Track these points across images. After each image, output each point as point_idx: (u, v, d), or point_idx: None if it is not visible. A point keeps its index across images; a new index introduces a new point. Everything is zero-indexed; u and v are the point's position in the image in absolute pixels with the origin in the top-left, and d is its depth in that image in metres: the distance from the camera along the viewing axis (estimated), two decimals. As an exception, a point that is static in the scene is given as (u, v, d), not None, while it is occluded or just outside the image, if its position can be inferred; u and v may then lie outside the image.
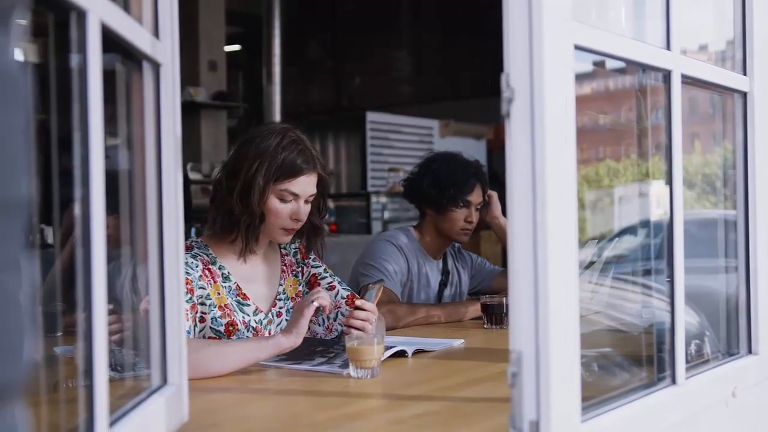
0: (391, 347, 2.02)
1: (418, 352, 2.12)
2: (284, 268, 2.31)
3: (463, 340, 2.30)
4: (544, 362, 1.13)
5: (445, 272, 3.06)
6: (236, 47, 10.29)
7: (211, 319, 2.09)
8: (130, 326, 1.48)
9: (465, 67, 9.21)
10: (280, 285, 2.28)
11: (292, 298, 2.30)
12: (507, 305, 2.58)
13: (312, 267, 2.35)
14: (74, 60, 0.99)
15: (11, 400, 0.56)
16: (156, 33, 1.31)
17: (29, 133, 0.58)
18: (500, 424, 1.33)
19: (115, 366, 1.31)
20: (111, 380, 1.03)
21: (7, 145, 0.54)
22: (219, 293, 2.12)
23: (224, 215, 2.14)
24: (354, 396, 1.70)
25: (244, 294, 2.18)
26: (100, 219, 0.99)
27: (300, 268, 2.35)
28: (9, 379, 0.55)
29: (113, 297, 1.12)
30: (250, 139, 2.15)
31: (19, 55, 0.59)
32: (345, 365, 1.86)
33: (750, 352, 1.76)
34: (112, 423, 1.05)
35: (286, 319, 2.24)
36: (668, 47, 1.47)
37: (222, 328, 2.09)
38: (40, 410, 1.09)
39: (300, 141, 2.16)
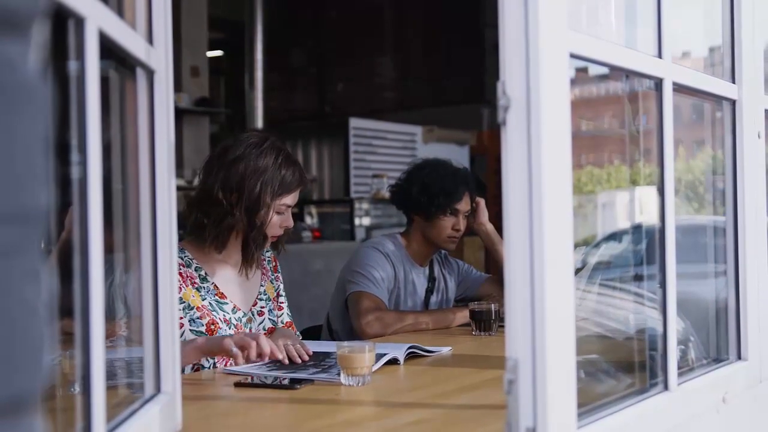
0: (384, 355, 2.02)
1: (411, 355, 2.13)
2: (264, 270, 2.40)
3: (450, 348, 2.31)
4: (541, 369, 1.13)
5: (431, 279, 3.06)
6: (218, 53, 10.27)
7: (190, 321, 2.15)
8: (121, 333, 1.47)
9: (448, 74, 9.24)
10: (261, 285, 2.37)
11: (273, 299, 2.39)
12: (495, 312, 2.59)
13: (280, 282, 2.47)
14: (71, 66, 0.98)
15: (31, 410, 0.56)
16: (150, 40, 1.30)
17: (48, 142, 0.58)
18: (495, 431, 1.34)
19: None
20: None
21: (28, 155, 0.54)
22: (194, 295, 2.18)
23: (226, 231, 2.20)
24: (346, 404, 1.70)
25: (222, 293, 2.24)
26: (98, 226, 0.98)
27: (275, 276, 2.45)
28: (30, 389, 0.55)
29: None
30: (241, 156, 2.19)
31: (38, 64, 0.59)
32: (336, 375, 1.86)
33: (739, 357, 1.77)
34: (109, 432, 1.05)
35: (269, 318, 2.35)
36: (660, 55, 1.48)
37: (203, 329, 2.15)
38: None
39: (291, 156, 2.28)
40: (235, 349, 1.89)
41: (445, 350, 2.28)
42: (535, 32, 1.13)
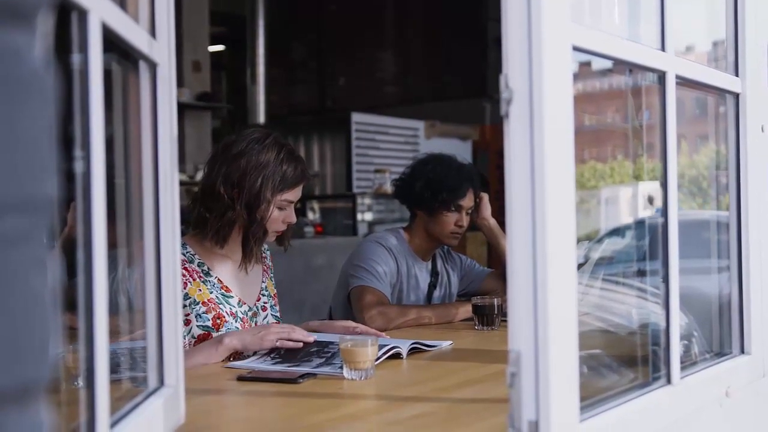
0: (386, 347, 2.02)
1: (413, 350, 2.13)
2: (265, 267, 2.42)
3: (451, 342, 2.30)
4: (543, 362, 1.13)
5: (434, 274, 3.06)
6: (220, 47, 10.27)
7: (196, 316, 2.16)
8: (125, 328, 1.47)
9: (450, 69, 9.24)
10: (263, 282, 2.39)
11: (273, 296, 2.42)
12: (498, 306, 2.59)
13: (274, 282, 2.49)
14: (75, 59, 0.98)
15: (37, 399, 0.56)
16: (153, 33, 1.30)
17: (55, 133, 0.59)
18: (498, 424, 1.34)
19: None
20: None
21: (35, 144, 0.55)
22: (200, 290, 2.19)
23: (227, 225, 2.21)
24: (349, 397, 1.70)
25: (227, 287, 2.26)
26: (101, 219, 0.98)
27: (273, 274, 2.48)
28: (36, 378, 0.56)
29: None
30: (243, 151, 2.21)
31: (44, 53, 0.59)
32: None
33: (742, 352, 1.77)
34: (112, 425, 1.05)
35: (272, 314, 2.37)
36: (663, 48, 1.48)
37: (209, 323, 2.16)
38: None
39: (293, 151, 2.28)
40: (279, 342, 2.02)
41: (446, 344, 2.28)
42: (537, 25, 1.13)
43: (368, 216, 7.30)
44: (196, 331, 2.15)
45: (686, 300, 1.75)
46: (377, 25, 9.87)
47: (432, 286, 3.04)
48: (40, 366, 0.56)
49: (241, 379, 1.83)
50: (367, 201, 7.32)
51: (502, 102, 1.17)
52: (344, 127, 7.88)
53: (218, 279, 2.24)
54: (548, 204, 1.13)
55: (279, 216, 2.25)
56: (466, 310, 2.74)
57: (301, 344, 2.04)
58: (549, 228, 1.13)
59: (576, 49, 1.23)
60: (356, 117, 7.89)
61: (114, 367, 1.36)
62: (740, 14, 1.74)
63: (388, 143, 8.03)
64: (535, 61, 1.14)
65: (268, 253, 2.47)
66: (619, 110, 1.97)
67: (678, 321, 1.49)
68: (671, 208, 1.49)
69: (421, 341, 2.20)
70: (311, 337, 2.08)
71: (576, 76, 1.48)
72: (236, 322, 2.21)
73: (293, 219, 2.30)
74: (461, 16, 8.98)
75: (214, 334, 2.14)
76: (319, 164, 8.25)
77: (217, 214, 2.19)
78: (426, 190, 2.89)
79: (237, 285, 2.29)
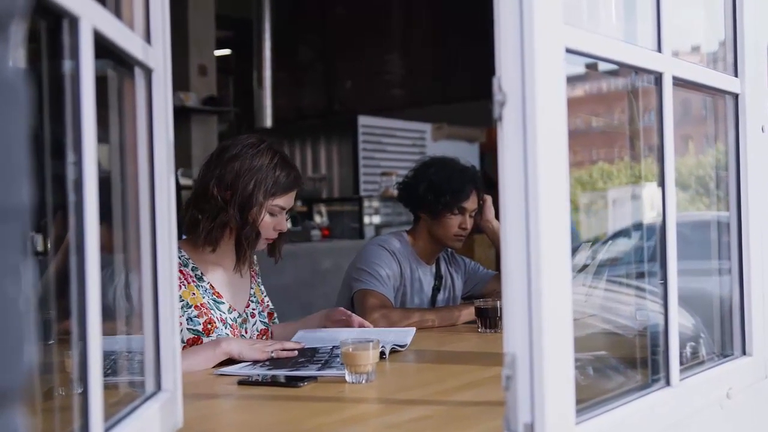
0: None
1: (393, 351, 2.17)
2: (253, 274, 2.44)
3: (414, 330, 2.35)
4: (538, 364, 1.13)
5: (438, 277, 3.05)
6: (226, 51, 10.29)
7: (188, 319, 2.18)
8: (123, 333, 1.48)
9: (457, 70, 9.23)
10: (251, 288, 2.41)
11: (261, 301, 2.43)
12: (501, 309, 2.58)
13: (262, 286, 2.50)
14: (66, 66, 0.98)
15: (11, 406, 0.56)
16: (148, 39, 1.31)
17: (29, 140, 0.59)
18: (495, 427, 1.33)
19: (107, 372, 1.30)
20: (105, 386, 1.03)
21: (8, 152, 0.55)
22: (194, 293, 2.22)
23: (219, 227, 2.23)
24: (349, 401, 1.70)
25: (218, 293, 2.28)
26: (94, 226, 0.98)
27: (260, 279, 2.49)
28: (9, 384, 0.56)
29: (106, 304, 1.12)
30: (237, 155, 2.24)
31: (18, 62, 0.59)
32: (343, 368, 1.85)
33: (744, 353, 1.76)
34: (107, 429, 1.05)
35: (260, 320, 2.39)
36: (659, 49, 1.48)
37: (200, 327, 2.17)
38: (35, 418, 1.09)
39: (287, 158, 2.32)
40: (274, 354, 2.08)
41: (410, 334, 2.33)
42: (530, 27, 1.13)
43: (375, 219, 7.30)
44: (187, 335, 2.16)
45: (693, 301, 1.74)
46: (383, 28, 9.87)
47: (436, 290, 3.03)
48: (14, 373, 0.56)
49: (242, 383, 1.83)
50: (374, 204, 7.32)
51: (495, 105, 1.17)
52: (351, 130, 7.88)
53: (210, 284, 2.26)
54: (542, 207, 1.13)
55: (270, 222, 2.26)
56: (469, 313, 2.74)
57: (296, 353, 2.10)
58: (543, 231, 1.13)
59: (569, 51, 1.23)
60: (363, 120, 7.89)
61: (112, 372, 1.37)
62: (739, 15, 1.74)
63: (395, 146, 8.02)
64: (527, 63, 1.14)
65: (255, 258, 2.49)
66: (626, 111, 1.97)
67: (677, 322, 1.49)
68: (669, 209, 1.49)
69: (397, 343, 2.23)
70: (301, 344, 2.17)
71: (583, 78, 1.48)
72: (226, 328, 2.23)
73: (284, 227, 2.32)
74: (467, 17, 8.97)
75: (205, 339, 2.16)
76: (326, 167, 8.25)
77: (210, 215, 2.21)
78: (429, 192, 2.89)
79: (228, 291, 2.31)
